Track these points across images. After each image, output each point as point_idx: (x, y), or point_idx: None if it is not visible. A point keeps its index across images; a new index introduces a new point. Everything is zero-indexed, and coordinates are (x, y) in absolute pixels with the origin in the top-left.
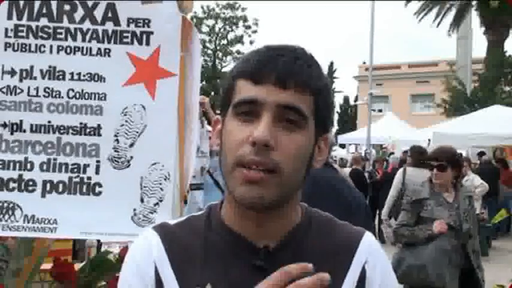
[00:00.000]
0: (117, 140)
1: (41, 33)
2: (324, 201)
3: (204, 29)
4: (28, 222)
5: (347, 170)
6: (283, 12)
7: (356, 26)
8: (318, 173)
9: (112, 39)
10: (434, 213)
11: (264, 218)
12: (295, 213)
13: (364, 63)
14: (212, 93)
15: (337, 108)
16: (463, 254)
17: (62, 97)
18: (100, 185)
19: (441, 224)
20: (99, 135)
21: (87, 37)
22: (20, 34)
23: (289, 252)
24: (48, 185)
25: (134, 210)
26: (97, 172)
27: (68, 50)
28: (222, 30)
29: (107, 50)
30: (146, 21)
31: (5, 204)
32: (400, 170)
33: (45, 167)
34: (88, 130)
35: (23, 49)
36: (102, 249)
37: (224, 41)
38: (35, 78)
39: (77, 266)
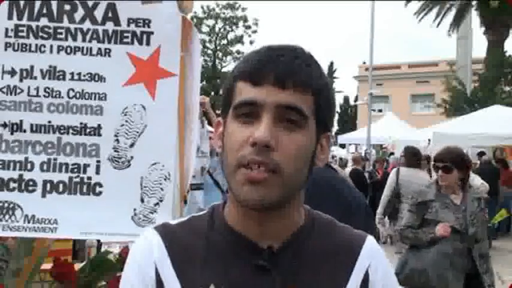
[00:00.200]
0: (117, 140)
1: (41, 33)
2: (324, 202)
3: (204, 29)
4: (28, 222)
5: (348, 170)
6: (283, 12)
7: (356, 26)
8: (317, 173)
9: (112, 39)
10: (439, 215)
11: (266, 218)
12: (298, 214)
13: (364, 63)
14: (212, 93)
15: (337, 108)
16: (469, 258)
17: (62, 97)
18: (100, 185)
19: (444, 227)
20: (100, 135)
21: (88, 37)
22: (20, 34)
23: (292, 253)
24: (48, 185)
25: (134, 210)
26: (97, 172)
27: (68, 50)
28: (222, 30)
29: (107, 50)
30: (146, 21)
31: (5, 204)
32: (394, 170)
33: (45, 167)
34: (88, 130)
35: (23, 49)
36: (102, 249)
37: (224, 41)
38: (35, 78)
39: (77, 266)
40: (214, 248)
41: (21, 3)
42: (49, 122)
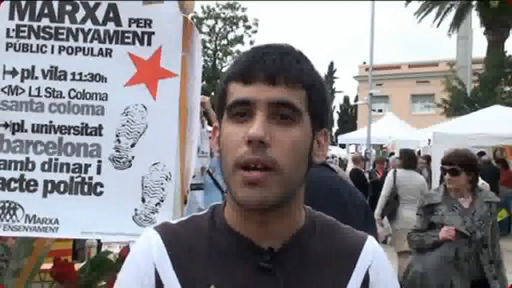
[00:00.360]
0: (118, 140)
1: (43, 33)
2: (321, 202)
3: (204, 29)
4: (29, 222)
5: (348, 170)
6: (283, 12)
7: (356, 26)
8: (315, 173)
9: (113, 40)
10: (445, 218)
11: (266, 219)
12: (299, 213)
13: (364, 63)
14: (212, 93)
15: (337, 108)
16: (477, 263)
17: (64, 97)
18: (101, 185)
19: (448, 230)
20: (101, 135)
21: (89, 37)
22: (21, 34)
23: (293, 254)
24: (49, 185)
25: (135, 210)
26: (98, 172)
27: (70, 50)
28: (222, 30)
29: (109, 50)
30: (147, 21)
31: (7, 204)
32: (391, 172)
33: (46, 167)
34: (89, 130)
35: (25, 49)
36: (103, 249)
37: (224, 41)
38: (37, 78)
39: (77, 266)
40: (216, 248)
41: (23, 3)
42: (50, 122)
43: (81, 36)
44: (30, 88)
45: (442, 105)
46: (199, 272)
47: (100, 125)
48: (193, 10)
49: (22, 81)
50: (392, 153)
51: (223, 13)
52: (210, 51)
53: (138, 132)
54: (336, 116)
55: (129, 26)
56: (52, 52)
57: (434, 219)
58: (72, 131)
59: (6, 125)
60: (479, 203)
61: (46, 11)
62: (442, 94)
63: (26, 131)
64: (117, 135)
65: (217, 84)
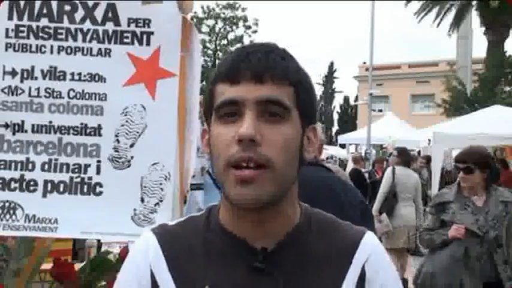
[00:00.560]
0: (117, 140)
1: (42, 33)
2: (318, 201)
3: (204, 29)
4: (29, 222)
5: (348, 171)
6: (283, 12)
7: (356, 26)
8: (310, 172)
9: (112, 40)
10: (456, 217)
11: (260, 218)
12: (293, 211)
13: (364, 63)
14: None
15: (337, 108)
16: (490, 264)
17: (63, 97)
18: (101, 185)
19: (458, 228)
20: (100, 135)
21: (88, 37)
22: (20, 34)
23: (288, 253)
24: (49, 185)
25: (134, 210)
26: (98, 172)
27: (69, 50)
28: (222, 30)
29: (108, 50)
30: (146, 21)
31: (7, 204)
32: (390, 169)
33: (46, 167)
34: (89, 130)
35: (24, 49)
36: (102, 249)
37: (224, 41)
38: (36, 78)
39: (77, 266)
40: (211, 249)
41: (22, 3)
42: (50, 122)
43: (80, 36)
44: (29, 88)
45: (442, 105)
46: (194, 273)
47: (99, 125)
48: (192, 10)
49: (22, 81)
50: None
51: (223, 13)
52: (210, 51)
53: (137, 132)
54: (336, 116)
55: (128, 25)
56: (51, 52)
57: (445, 217)
58: (71, 131)
59: (6, 126)
60: (494, 201)
61: (45, 11)
62: (442, 94)
63: (26, 131)
64: (116, 136)
65: None
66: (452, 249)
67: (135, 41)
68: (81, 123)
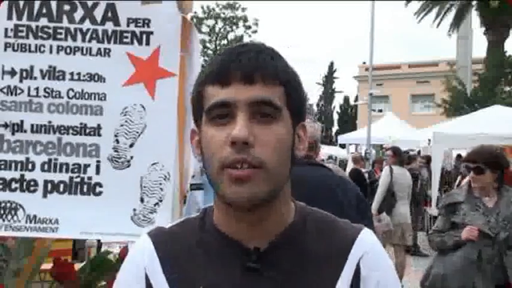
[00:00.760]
0: (117, 140)
1: (41, 33)
2: (316, 201)
3: (204, 29)
4: (30, 222)
5: (348, 171)
6: (283, 12)
7: (356, 26)
8: (309, 172)
9: (112, 39)
10: (466, 218)
11: (254, 218)
12: (287, 210)
13: (364, 63)
14: None
15: (337, 108)
16: (502, 266)
17: (62, 97)
18: (100, 185)
19: (471, 230)
20: (99, 135)
21: (87, 37)
22: (20, 34)
23: (282, 252)
24: (49, 185)
25: (134, 210)
26: (97, 172)
27: (68, 50)
28: (222, 30)
29: (107, 50)
30: (146, 21)
31: (8, 205)
32: (387, 168)
33: (46, 167)
34: (88, 130)
35: (23, 49)
36: (102, 249)
37: (224, 41)
38: (35, 78)
39: (77, 266)
40: (206, 250)
41: (21, 3)
42: (49, 122)
43: (79, 36)
44: (29, 88)
45: (442, 105)
46: (189, 274)
47: (99, 125)
48: (192, 10)
49: (21, 81)
50: None
51: (223, 13)
52: (210, 51)
53: (137, 132)
54: (336, 116)
55: (128, 25)
56: (50, 52)
57: (455, 218)
58: (71, 131)
59: (6, 126)
60: (505, 202)
61: (44, 10)
62: (442, 94)
63: (25, 131)
64: (115, 135)
65: None
66: (465, 251)
67: (135, 41)
68: (81, 123)
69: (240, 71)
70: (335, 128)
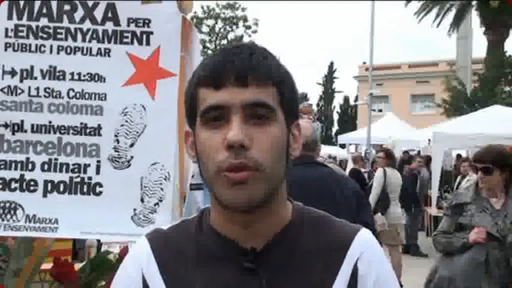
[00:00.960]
0: (117, 140)
1: (41, 33)
2: (315, 199)
3: (204, 29)
4: (30, 222)
5: (348, 171)
6: (283, 12)
7: (356, 26)
8: (308, 171)
9: (112, 39)
10: (473, 219)
11: (251, 219)
12: (284, 210)
13: (364, 63)
14: None
15: (337, 108)
16: (509, 269)
17: (63, 97)
18: (100, 185)
19: (479, 232)
20: (100, 135)
21: (87, 37)
22: (20, 34)
23: (279, 252)
24: (49, 185)
25: (134, 210)
26: (97, 172)
27: (68, 50)
28: (222, 30)
29: (107, 50)
30: (146, 21)
31: (7, 204)
32: (381, 170)
33: (46, 167)
34: (88, 130)
35: (23, 49)
36: (102, 249)
37: (224, 41)
38: (36, 78)
39: (77, 266)
40: (203, 251)
41: (21, 3)
42: (50, 122)
43: (79, 36)
44: (29, 88)
45: (442, 105)
46: (186, 276)
47: (99, 125)
48: (192, 10)
49: (21, 81)
50: None
51: (223, 13)
52: (210, 51)
53: (137, 132)
54: (336, 116)
55: (128, 25)
56: (51, 52)
57: (462, 220)
58: (71, 131)
59: (6, 126)
60: (511, 204)
61: (44, 10)
62: (442, 94)
63: (25, 131)
64: (116, 135)
65: None
66: (474, 253)
67: (135, 41)
68: (81, 123)
69: (233, 73)
70: (335, 128)
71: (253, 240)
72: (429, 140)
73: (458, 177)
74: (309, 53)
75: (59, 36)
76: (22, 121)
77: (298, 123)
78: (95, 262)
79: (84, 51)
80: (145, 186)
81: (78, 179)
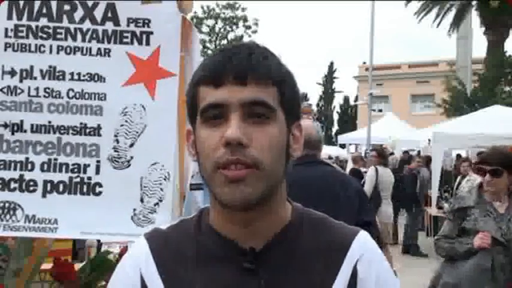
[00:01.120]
0: (117, 140)
1: (41, 33)
2: (319, 198)
3: (204, 29)
4: (29, 222)
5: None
6: (283, 12)
7: (356, 26)
8: (312, 171)
9: (112, 39)
10: (478, 224)
11: (250, 218)
12: (283, 210)
13: (364, 63)
14: None
15: (337, 108)
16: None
17: (62, 97)
18: (100, 185)
19: (484, 237)
20: (99, 135)
21: (87, 37)
22: (20, 34)
23: (278, 252)
24: (48, 185)
25: (134, 210)
26: (97, 172)
27: (68, 50)
28: (222, 30)
29: (107, 50)
30: (146, 21)
31: (7, 205)
32: (373, 169)
33: (45, 167)
34: (88, 130)
35: (23, 49)
36: (102, 249)
37: (224, 41)
38: (35, 78)
39: (77, 266)
40: (202, 251)
41: (21, 3)
42: (49, 122)
43: (79, 36)
44: (29, 88)
45: (442, 105)
46: (185, 276)
47: (99, 125)
48: (191, 10)
49: (21, 81)
50: (392, 153)
51: (223, 13)
52: (210, 51)
53: (137, 132)
54: (336, 116)
55: (128, 25)
56: (50, 52)
57: (466, 224)
58: (71, 131)
59: (5, 126)
60: None
61: (44, 10)
62: (442, 94)
63: (25, 131)
64: (115, 135)
65: None
66: (479, 259)
67: (135, 41)
68: (81, 123)
69: (232, 72)
70: (335, 128)
71: (253, 240)
72: (429, 140)
73: (458, 177)
74: (309, 53)
75: (58, 36)
76: (22, 121)
77: (299, 124)
78: (95, 262)
79: (84, 51)
80: (145, 186)
81: (78, 179)
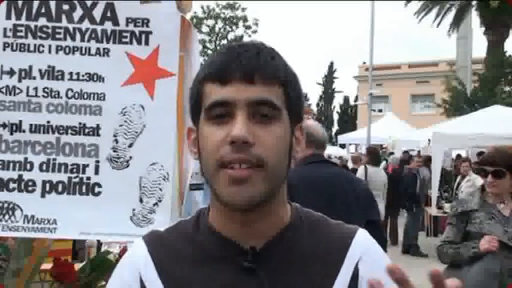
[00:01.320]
0: (116, 140)
1: (40, 33)
2: (327, 198)
3: (204, 29)
4: (28, 223)
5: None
6: (283, 12)
7: (356, 26)
8: (319, 170)
9: (111, 39)
10: (483, 227)
11: (250, 218)
12: (283, 210)
13: (364, 63)
14: None
15: (337, 108)
16: None
17: (61, 97)
18: (99, 185)
19: (490, 240)
20: (98, 135)
21: (86, 37)
22: (18, 34)
23: (278, 252)
24: (47, 185)
25: (133, 210)
26: (96, 172)
27: (67, 50)
28: (222, 30)
29: (106, 50)
30: (145, 21)
31: (5, 205)
32: (362, 168)
33: (44, 167)
34: (87, 130)
35: (22, 49)
36: (102, 249)
37: (224, 41)
38: (34, 78)
39: (77, 266)
40: (201, 252)
41: (20, 3)
42: (48, 122)
43: (78, 36)
44: (27, 88)
45: (442, 105)
46: (184, 276)
47: (98, 125)
48: (191, 10)
49: (20, 81)
50: (392, 153)
51: (223, 13)
52: (209, 51)
53: (136, 132)
54: (336, 116)
55: (127, 25)
56: (49, 52)
57: (471, 228)
58: (69, 131)
59: (4, 126)
60: None
61: (43, 10)
62: (442, 94)
63: (24, 131)
64: (114, 135)
65: None
66: (487, 264)
67: (134, 41)
68: (80, 123)
69: (240, 71)
70: (335, 128)
71: (252, 240)
72: (429, 140)
73: (458, 177)
74: (309, 53)
75: (57, 36)
76: (20, 121)
77: (301, 126)
78: (95, 262)
79: (83, 51)
80: (144, 187)
81: (77, 179)
